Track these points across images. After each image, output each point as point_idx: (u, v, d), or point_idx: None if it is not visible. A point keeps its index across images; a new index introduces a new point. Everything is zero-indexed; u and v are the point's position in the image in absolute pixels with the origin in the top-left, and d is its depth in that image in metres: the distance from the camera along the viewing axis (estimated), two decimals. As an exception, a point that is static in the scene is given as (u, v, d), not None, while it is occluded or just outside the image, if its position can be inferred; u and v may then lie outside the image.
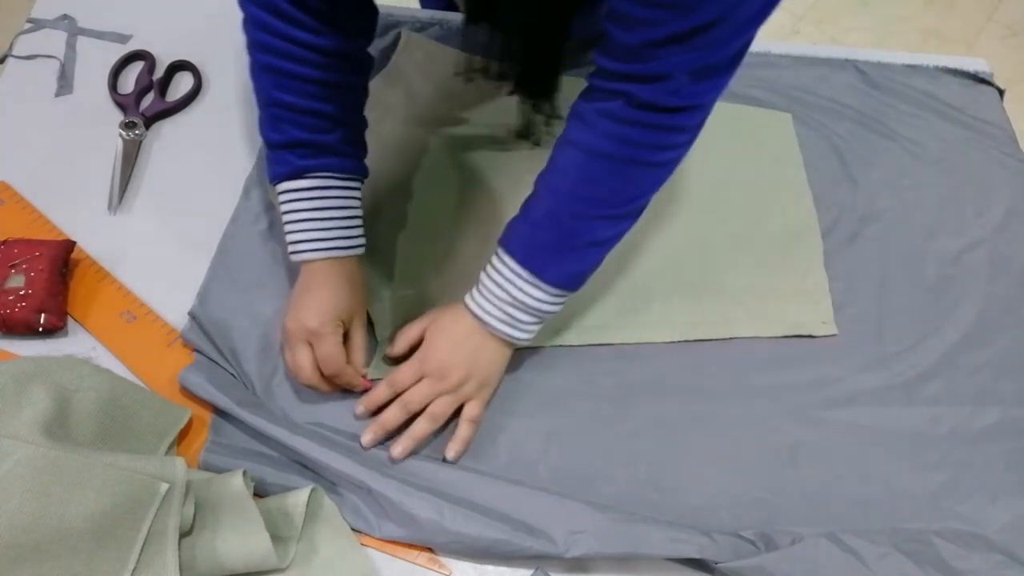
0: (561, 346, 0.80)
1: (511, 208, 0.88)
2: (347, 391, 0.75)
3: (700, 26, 0.57)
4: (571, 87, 0.89)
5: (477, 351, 0.74)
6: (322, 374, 0.74)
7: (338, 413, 0.74)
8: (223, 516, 0.63)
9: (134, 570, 0.59)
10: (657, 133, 0.65)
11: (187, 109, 0.94)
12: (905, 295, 0.86)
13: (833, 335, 0.83)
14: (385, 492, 0.66)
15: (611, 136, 0.65)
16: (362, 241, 0.77)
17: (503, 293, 0.71)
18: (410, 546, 0.68)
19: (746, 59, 1.03)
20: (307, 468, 0.70)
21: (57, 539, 0.57)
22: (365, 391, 0.75)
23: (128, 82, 0.95)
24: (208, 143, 0.91)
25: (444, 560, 0.68)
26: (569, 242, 0.70)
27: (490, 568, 0.67)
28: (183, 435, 0.71)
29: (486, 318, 0.72)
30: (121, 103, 0.92)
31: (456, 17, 1.06)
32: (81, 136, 0.90)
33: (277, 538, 0.64)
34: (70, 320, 0.77)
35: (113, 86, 0.94)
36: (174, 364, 0.74)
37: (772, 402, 0.78)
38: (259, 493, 0.68)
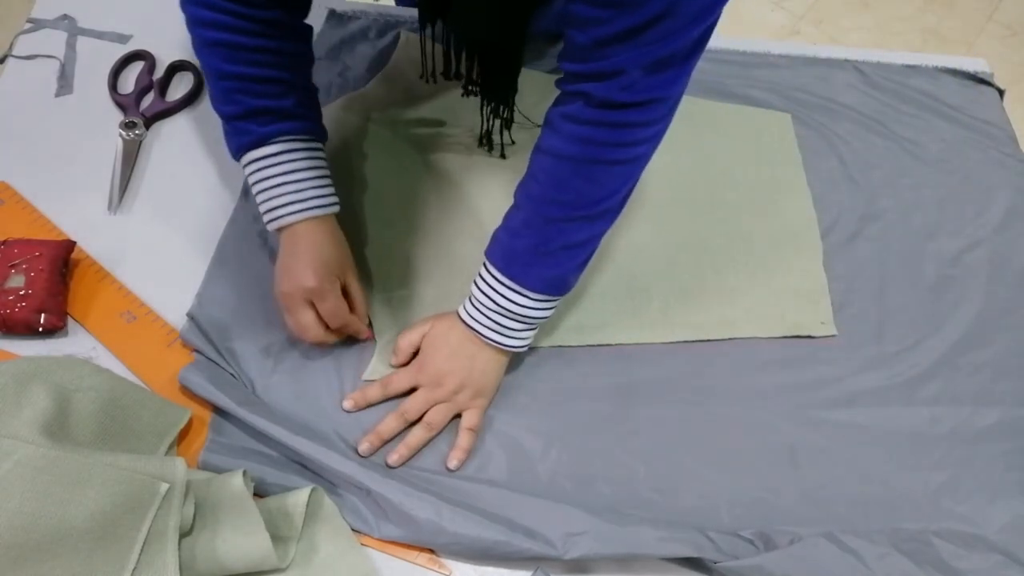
0: (561, 347, 0.80)
1: (506, 207, 0.88)
2: (341, 402, 0.75)
3: (648, 21, 0.58)
4: (530, 83, 0.91)
5: (472, 360, 0.74)
6: (327, 328, 0.75)
7: (338, 414, 0.74)
8: (223, 516, 0.63)
9: (134, 570, 0.59)
10: (617, 131, 0.66)
11: (187, 109, 0.94)
12: (905, 295, 0.87)
13: (833, 335, 0.83)
14: (384, 493, 0.66)
15: (574, 138, 0.66)
16: (335, 200, 0.78)
17: (490, 303, 0.72)
18: (410, 546, 0.68)
19: (746, 59, 1.06)
20: (307, 468, 0.70)
21: (57, 539, 0.57)
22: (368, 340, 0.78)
23: (128, 82, 0.95)
24: (208, 143, 0.91)
25: (444, 560, 0.68)
26: (544, 247, 0.71)
27: (490, 568, 0.68)
28: (183, 435, 0.71)
29: (478, 328, 0.73)
30: (121, 103, 0.92)
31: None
32: (81, 136, 0.90)
33: (277, 538, 0.64)
34: (70, 320, 0.77)
35: (113, 86, 0.94)
36: (174, 364, 0.74)
37: (772, 402, 0.78)
38: (259, 493, 0.68)
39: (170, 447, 0.69)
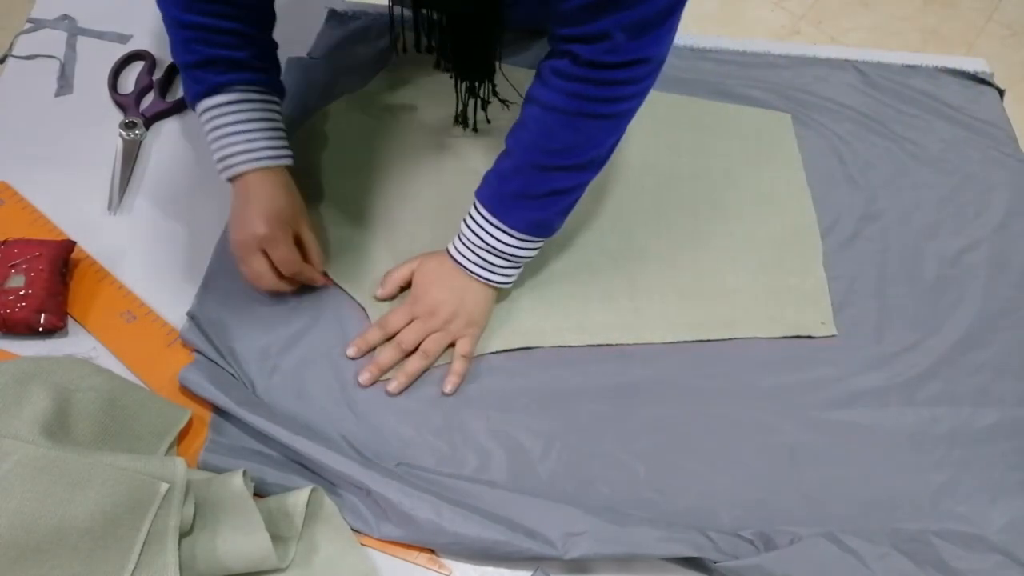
0: (561, 346, 0.80)
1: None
2: (341, 394, 0.75)
3: None
4: (513, 80, 0.92)
5: (463, 292, 0.79)
6: (280, 276, 0.78)
7: (338, 413, 0.74)
8: (223, 516, 0.63)
9: (134, 570, 0.59)
10: (603, 88, 0.69)
11: (187, 109, 0.94)
12: (905, 295, 0.87)
13: (832, 335, 0.83)
14: (384, 493, 0.66)
15: (562, 92, 0.69)
16: (288, 153, 0.80)
17: (478, 240, 0.77)
18: (410, 546, 0.68)
19: (746, 59, 1.06)
20: (307, 468, 0.70)
21: (57, 539, 0.57)
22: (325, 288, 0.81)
23: (128, 82, 0.95)
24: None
25: (444, 560, 0.68)
26: (531, 191, 0.74)
27: (490, 568, 0.67)
28: (183, 435, 0.71)
29: (464, 263, 0.78)
30: (121, 103, 0.92)
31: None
32: (81, 136, 0.90)
33: (277, 538, 0.64)
34: (70, 320, 0.77)
35: (113, 86, 0.94)
36: (174, 364, 0.74)
37: (771, 402, 0.78)
38: (259, 493, 0.68)
39: (170, 447, 0.69)
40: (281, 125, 0.80)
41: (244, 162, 0.76)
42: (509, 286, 0.80)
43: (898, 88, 1.05)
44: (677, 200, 0.92)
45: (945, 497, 0.74)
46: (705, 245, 0.88)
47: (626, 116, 0.73)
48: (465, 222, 0.78)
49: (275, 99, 0.80)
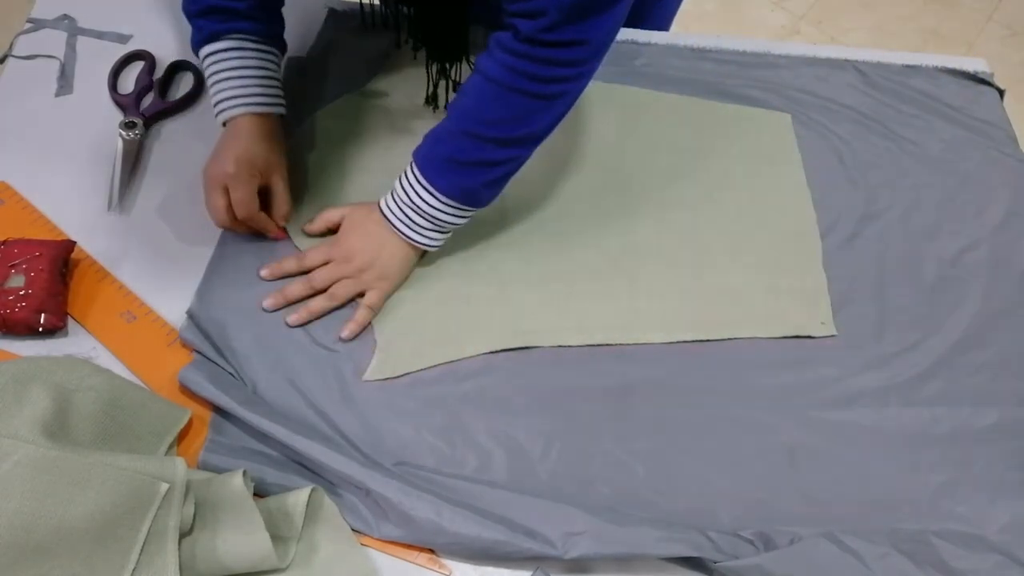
0: (560, 346, 0.80)
1: (508, 206, 0.89)
2: (340, 403, 0.75)
3: None
4: None
5: (383, 245, 0.80)
6: (234, 218, 0.80)
7: (338, 413, 0.74)
8: (223, 516, 0.63)
9: (134, 570, 0.59)
10: (539, 65, 0.70)
11: (187, 109, 0.94)
12: (904, 295, 0.87)
13: (832, 336, 0.83)
14: (384, 492, 0.66)
15: (501, 64, 0.71)
16: (281, 103, 0.85)
17: (404, 196, 0.78)
18: (410, 546, 0.68)
19: (745, 59, 1.06)
20: (306, 468, 0.70)
21: (57, 539, 0.57)
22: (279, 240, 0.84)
23: (128, 82, 0.95)
24: (208, 143, 0.90)
25: (444, 560, 0.68)
26: (460, 157, 0.76)
27: (490, 568, 0.68)
28: (183, 435, 0.71)
29: (390, 216, 0.79)
30: (121, 103, 0.92)
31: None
32: (81, 136, 0.90)
33: (277, 538, 0.64)
34: (70, 320, 0.77)
35: (113, 86, 0.94)
36: (174, 364, 0.74)
37: (771, 403, 0.78)
38: (259, 493, 0.68)
39: (170, 447, 0.69)
40: (276, 75, 0.85)
41: (234, 106, 0.81)
42: (432, 249, 0.81)
43: (898, 88, 1.05)
44: (677, 200, 0.92)
45: (945, 497, 0.74)
46: (705, 245, 0.88)
47: (561, 99, 0.73)
48: (399, 179, 0.79)
49: (272, 49, 0.85)
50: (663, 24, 1.16)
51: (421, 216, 0.78)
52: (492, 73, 0.72)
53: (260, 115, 0.82)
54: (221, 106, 0.82)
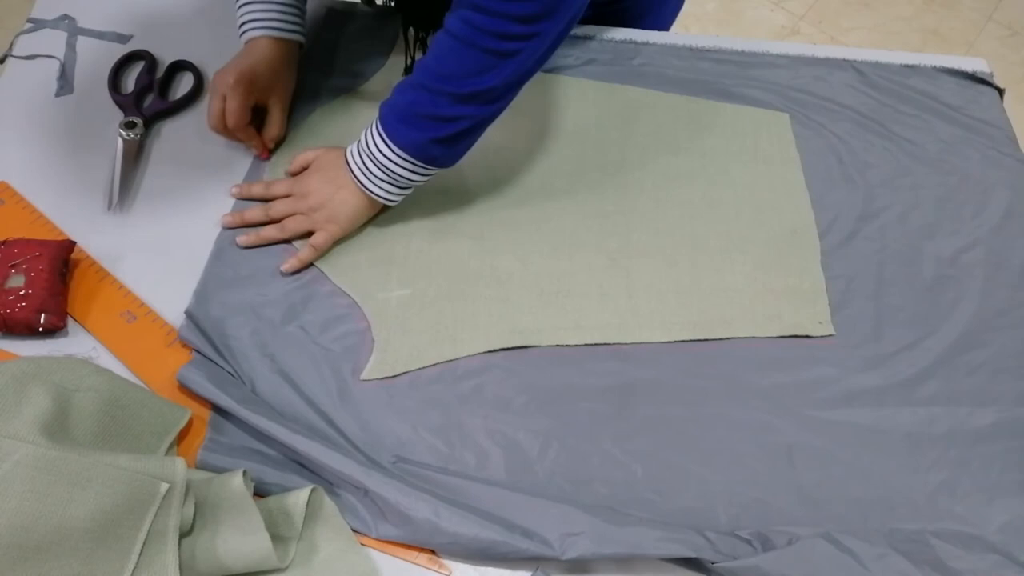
0: (558, 346, 0.80)
1: (506, 205, 0.89)
2: (336, 399, 0.75)
3: None
4: None
5: (339, 189, 0.83)
6: (224, 125, 0.87)
7: (336, 413, 0.74)
8: (223, 516, 0.63)
9: (134, 570, 0.59)
10: (493, 19, 0.72)
11: (187, 109, 0.94)
12: (902, 295, 0.87)
13: (830, 335, 0.83)
14: (382, 492, 0.66)
15: (459, 17, 0.73)
16: (300, 31, 0.91)
17: (365, 145, 0.81)
18: (410, 547, 0.68)
19: (744, 59, 1.06)
20: (305, 468, 0.70)
21: (57, 539, 0.57)
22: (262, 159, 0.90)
23: (128, 82, 0.95)
24: (208, 143, 0.91)
25: (444, 560, 0.68)
26: (416, 110, 0.77)
27: (490, 568, 0.68)
28: (183, 435, 0.71)
29: (351, 163, 0.82)
30: (121, 103, 0.92)
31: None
32: (81, 136, 0.90)
33: (277, 538, 0.64)
34: (70, 320, 0.77)
35: (113, 86, 0.94)
36: (174, 364, 0.74)
37: (769, 402, 0.78)
38: (259, 493, 0.68)
39: (170, 447, 0.70)
40: (300, 4, 0.91)
41: (253, 28, 0.88)
42: (385, 202, 0.83)
43: (897, 88, 1.05)
44: (675, 200, 0.92)
45: (943, 497, 0.74)
46: (703, 244, 0.88)
47: (513, 58, 0.74)
48: (365, 128, 0.82)
49: None
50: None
51: (377, 166, 0.80)
52: (451, 27, 0.74)
53: (276, 39, 0.88)
54: (243, 28, 0.89)
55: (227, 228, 0.84)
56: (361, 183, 0.81)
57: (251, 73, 0.86)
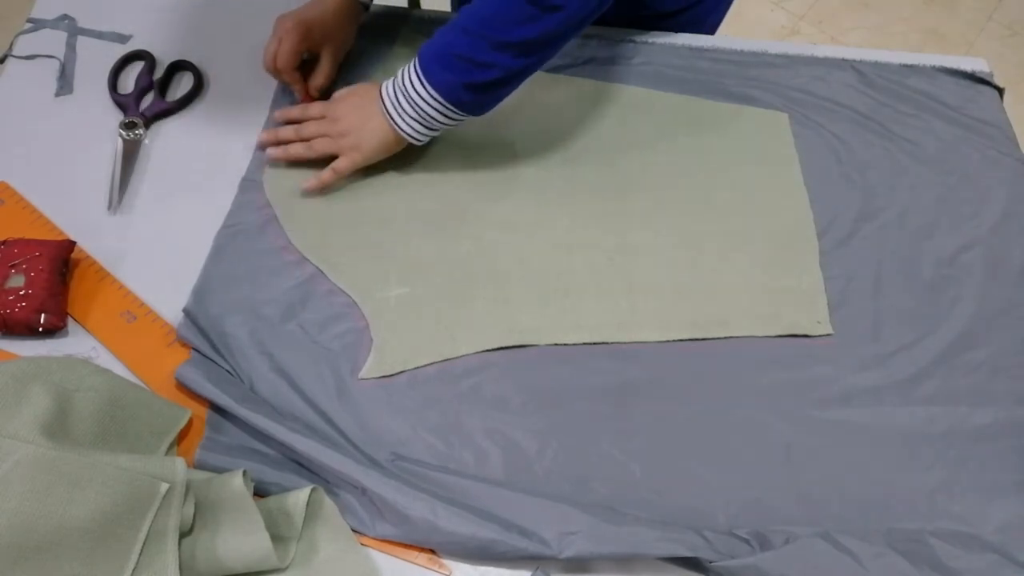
0: (557, 345, 0.80)
1: (505, 204, 0.89)
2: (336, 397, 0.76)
3: None
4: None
5: (369, 120, 0.86)
6: (276, 66, 0.91)
7: (335, 412, 0.74)
8: (223, 516, 0.63)
9: (134, 570, 0.59)
10: None
11: (187, 109, 0.94)
12: (901, 295, 0.87)
13: (828, 335, 0.83)
14: (380, 491, 0.67)
15: None
16: None
17: (400, 81, 0.84)
18: (410, 546, 0.68)
19: (743, 58, 1.06)
20: (303, 467, 0.70)
21: (57, 539, 0.57)
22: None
23: (128, 82, 0.95)
24: (208, 143, 0.91)
25: (444, 560, 0.68)
26: (452, 50, 0.80)
27: (490, 568, 0.68)
28: (183, 435, 0.72)
29: (384, 96, 0.85)
30: (121, 103, 0.93)
31: (453, 15, 1.07)
32: (81, 136, 0.90)
33: (277, 538, 0.64)
34: (70, 320, 0.77)
35: (113, 86, 0.94)
36: (174, 364, 0.74)
37: (767, 401, 0.78)
38: (259, 493, 0.68)
39: (170, 447, 0.70)
40: None
41: None
42: (411, 140, 0.86)
43: (896, 88, 1.05)
44: (674, 199, 0.92)
45: (941, 496, 0.74)
46: (701, 244, 0.89)
47: (555, 13, 0.76)
48: (406, 64, 0.84)
49: None
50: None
51: (409, 103, 0.83)
52: None
53: None
54: None
55: (261, 145, 0.89)
56: (391, 118, 0.84)
57: (309, 21, 0.90)
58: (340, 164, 0.86)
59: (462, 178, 0.91)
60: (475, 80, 0.80)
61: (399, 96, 0.83)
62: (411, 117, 0.83)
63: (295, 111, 0.90)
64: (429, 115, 0.83)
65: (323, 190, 0.87)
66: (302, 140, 0.88)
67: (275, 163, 0.90)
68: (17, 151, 0.89)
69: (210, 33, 1.00)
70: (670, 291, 0.85)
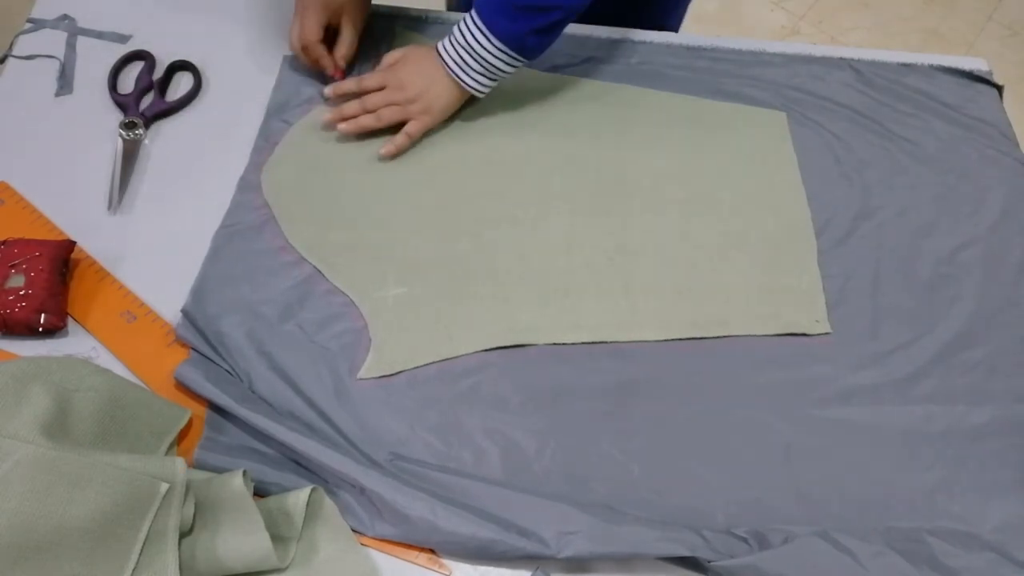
0: (556, 344, 0.80)
1: (504, 204, 0.89)
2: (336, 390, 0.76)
3: None
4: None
5: (432, 82, 0.89)
6: (302, 46, 0.92)
7: (333, 411, 0.74)
8: (223, 516, 0.64)
9: (134, 570, 0.59)
10: None
11: (187, 109, 0.94)
12: (899, 293, 0.87)
13: (827, 333, 0.83)
14: (378, 491, 0.67)
15: None
16: None
17: (461, 37, 0.87)
18: (410, 546, 0.68)
19: (741, 57, 1.07)
20: (302, 466, 0.70)
21: (57, 539, 0.57)
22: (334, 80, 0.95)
23: (128, 82, 0.95)
24: (208, 143, 0.91)
25: (444, 560, 0.68)
26: (513, 1, 0.83)
27: (490, 568, 0.68)
28: (183, 435, 0.72)
29: (444, 57, 0.88)
30: (121, 103, 0.93)
31: (448, 15, 1.07)
32: (81, 136, 0.90)
33: (277, 538, 0.64)
34: (70, 320, 0.77)
35: (113, 86, 0.94)
36: (174, 364, 0.74)
37: (766, 401, 0.78)
38: (258, 493, 0.68)
39: (170, 447, 0.70)
40: None
41: None
42: (477, 93, 0.90)
43: (894, 87, 1.06)
44: (672, 198, 0.92)
45: (939, 495, 0.74)
46: (700, 243, 0.89)
47: None
48: (458, 23, 0.87)
49: None
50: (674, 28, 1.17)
51: (473, 58, 0.86)
52: None
53: None
54: None
55: (329, 124, 0.91)
56: (457, 76, 0.88)
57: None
58: (413, 128, 0.90)
59: (461, 178, 0.91)
60: (539, 25, 0.84)
61: (462, 54, 0.87)
62: (476, 71, 0.87)
63: (349, 84, 0.92)
64: (495, 66, 0.87)
65: (396, 154, 0.91)
66: (366, 112, 0.91)
67: (273, 164, 0.90)
68: (17, 151, 0.89)
69: (210, 33, 1.00)
70: (669, 290, 0.85)
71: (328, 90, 0.93)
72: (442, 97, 0.90)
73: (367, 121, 0.90)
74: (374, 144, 0.92)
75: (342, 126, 0.90)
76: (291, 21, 0.93)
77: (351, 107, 0.91)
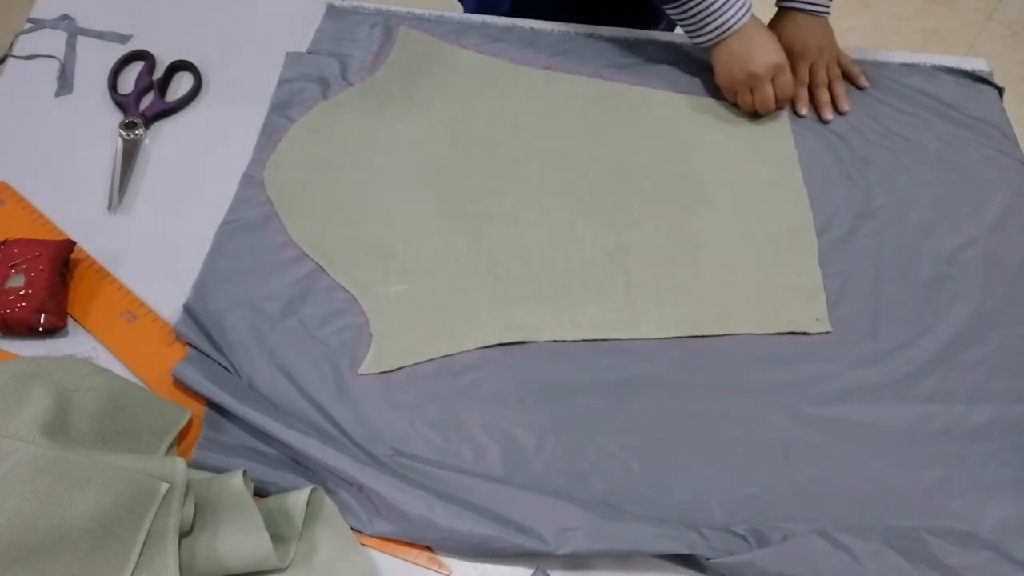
0: (556, 341, 0.80)
1: (505, 202, 0.89)
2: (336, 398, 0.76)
3: None
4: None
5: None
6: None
7: (333, 408, 0.74)
8: (223, 516, 0.64)
9: (134, 570, 0.59)
10: None
11: (187, 109, 0.94)
12: (900, 293, 0.87)
13: (827, 332, 0.83)
14: (376, 488, 0.67)
15: None
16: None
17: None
18: (410, 546, 0.68)
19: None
20: (300, 464, 0.70)
21: (57, 539, 0.57)
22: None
23: (128, 82, 0.95)
24: (208, 143, 0.92)
25: (444, 560, 0.68)
26: None
27: (490, 567, 0.68)
28: (183, 435, 0.72)
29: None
30: (121, 103, 0.93)
31: (451, 14, 1.07)
32: (81, 136, 0.91)
33: (277, 538, 0.64)
34: (70, 320, 0.78)
35: (113, 86, 0.94)
36: (174, 364, 0.74)
37: (766, 399, 0.78)
38: (258, 493, 0.69)
39: (170, 447, 0.70)
40: None
41: (743, 16, 0.95)
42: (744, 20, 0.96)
43: (895, 86, 1.06)
44: (673, 197, 0.92)
45: (938, 494, 0.74)
46: (701, 241, 0.89)
47: None
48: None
49: None
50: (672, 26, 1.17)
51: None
52: None
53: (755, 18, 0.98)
54: (732, 21, 0.95)
55: (802, 114, 1.01)
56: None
57: (779, 44, 0.97)
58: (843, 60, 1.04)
59: (462, 175, 0.91)
60: None
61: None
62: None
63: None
64: None
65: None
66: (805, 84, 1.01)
67: (275, 160, 0.89)
68: (17, 151, 0.89)
69: (210, 33, 1.01)
70: (669, 288, 0.85)
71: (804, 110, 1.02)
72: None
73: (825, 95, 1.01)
74: (376, 141, 0.92)
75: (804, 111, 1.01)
76: (756, 91, 0.98)
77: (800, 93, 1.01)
